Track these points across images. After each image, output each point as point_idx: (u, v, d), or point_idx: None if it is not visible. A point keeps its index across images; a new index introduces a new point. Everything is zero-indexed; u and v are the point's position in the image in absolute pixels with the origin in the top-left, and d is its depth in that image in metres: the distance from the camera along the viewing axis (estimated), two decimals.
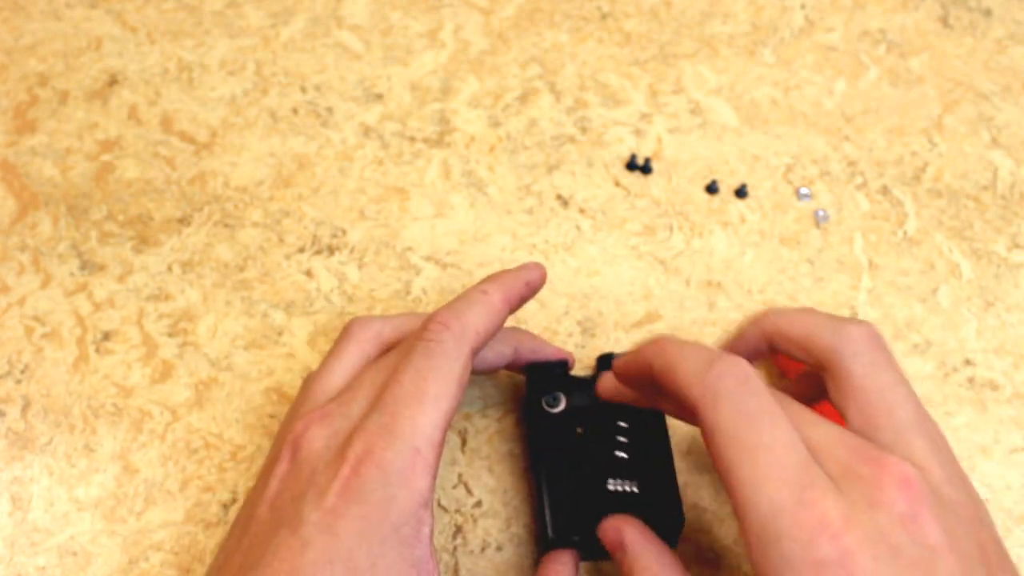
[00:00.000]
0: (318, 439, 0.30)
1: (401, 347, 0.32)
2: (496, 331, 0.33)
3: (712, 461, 0.28)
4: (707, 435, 0.28)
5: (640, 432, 0.35)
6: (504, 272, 0.35)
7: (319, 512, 0.28)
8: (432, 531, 0.29)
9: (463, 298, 0.33)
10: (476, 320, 0.32)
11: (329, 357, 0.34)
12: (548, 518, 0.34)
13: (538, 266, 0.35)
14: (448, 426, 0.31)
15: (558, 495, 0.34)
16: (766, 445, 0.27)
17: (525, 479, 0.37)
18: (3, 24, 0.49)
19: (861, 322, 0.30)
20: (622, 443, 0.35)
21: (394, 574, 0.28)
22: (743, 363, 0.28)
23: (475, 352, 0.32)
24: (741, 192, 0.45)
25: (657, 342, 0.31)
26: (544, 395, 0.36)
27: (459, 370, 0.31)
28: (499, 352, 0.36)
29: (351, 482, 0.28)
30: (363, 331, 0.35)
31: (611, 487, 0.34)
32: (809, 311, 0.32)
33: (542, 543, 0.35)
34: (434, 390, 0.30)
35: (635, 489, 0.34)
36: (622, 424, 0.36)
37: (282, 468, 0.30)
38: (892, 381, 0.29)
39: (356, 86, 0.48)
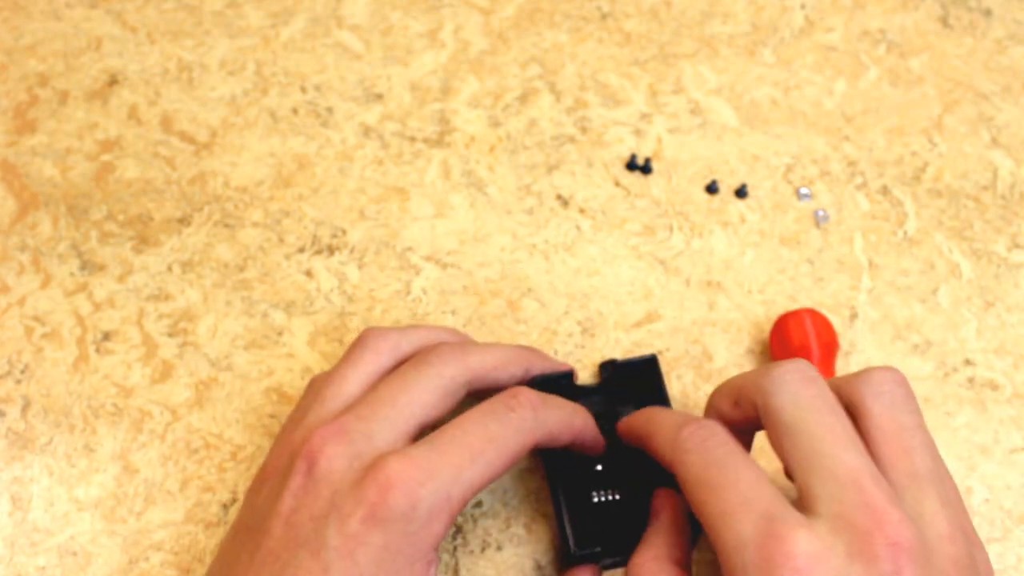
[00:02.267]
0: (339, 458, 0.30)
1: (486, 401, 0.32)
2: (557, 444, 0.33)
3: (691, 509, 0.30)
4: (682, 487, 0.30)
5: None
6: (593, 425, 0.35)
7: (341, 537, 0.28)
8: (436, 571, 0.30)
9: (560, 400, 0.34)
10: (558, 421, 0.33)
11: (343, 364, 0.34)
12: (569, 531, 0.34)
13: (600, 446, 0.35)
14: (481, 491, 0.31)
15: (576, 508, 0.34)
16: (730, 483, 0.28)
17: (524, 479, 0.37)
18: (3, 24, 0.49)
19: (886, 367, 0.31)
20: (631, 450, 0.35)
21: None
22: (711, 423, 0.30)
23: (537, 446, 0.32)
24: (741, 192, 0.45)
25: (643, 412, 0.33)
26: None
27: (518, 450, 0.31)
28: (511, 374, 0.36)
29: (377, 509, 0.28)
30: (380, 342, 0.34)
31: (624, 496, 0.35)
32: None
33: (564, 557, 0.35)
34: (491, 456, 0.30)
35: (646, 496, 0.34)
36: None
37: (296, 483, 0.30)
38: (912, 424, 0.30)
39: (356, 86, 0.48)
